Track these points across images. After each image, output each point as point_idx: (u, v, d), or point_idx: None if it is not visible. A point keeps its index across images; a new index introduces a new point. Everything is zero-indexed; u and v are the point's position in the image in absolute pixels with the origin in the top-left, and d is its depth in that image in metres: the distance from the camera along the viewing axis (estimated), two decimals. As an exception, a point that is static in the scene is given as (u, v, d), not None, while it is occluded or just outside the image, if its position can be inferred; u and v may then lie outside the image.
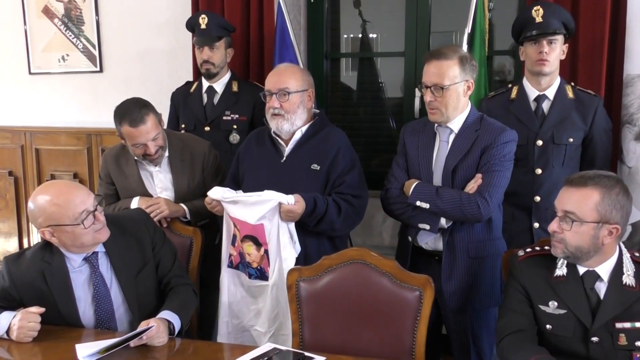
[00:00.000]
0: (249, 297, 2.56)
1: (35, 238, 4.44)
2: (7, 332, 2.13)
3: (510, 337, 1.96)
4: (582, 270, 1.97)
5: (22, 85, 4.41)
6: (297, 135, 2.58)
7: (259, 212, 2.39)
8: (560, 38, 2.72)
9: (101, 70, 4.18)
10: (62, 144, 4.27)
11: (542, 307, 1.99)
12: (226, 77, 3.35)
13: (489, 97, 2.96)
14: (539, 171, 2.75)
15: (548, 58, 2.71)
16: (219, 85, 3.34)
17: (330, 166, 2.54)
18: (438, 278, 2.38)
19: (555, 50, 2.72)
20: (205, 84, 3.36)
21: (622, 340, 1.89)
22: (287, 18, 3.37)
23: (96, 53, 4.16)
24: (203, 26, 3.21)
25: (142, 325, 2.07)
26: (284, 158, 2.58)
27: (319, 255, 2.30)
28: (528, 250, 2.12)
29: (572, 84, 2.85)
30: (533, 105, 2.80)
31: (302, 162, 2.55)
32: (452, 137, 2.48)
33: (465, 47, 3.15)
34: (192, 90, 3.39)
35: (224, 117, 3.28)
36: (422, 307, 2.08)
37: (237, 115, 3.28)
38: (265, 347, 2.07)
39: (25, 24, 4.27)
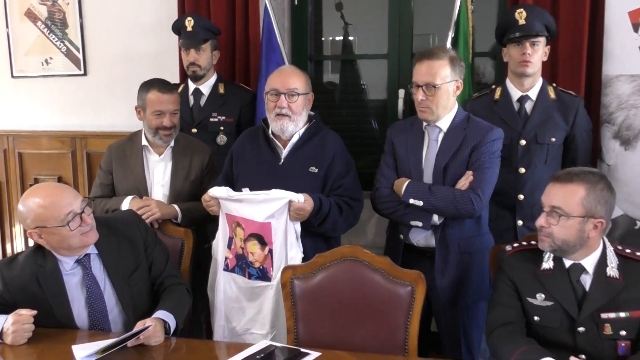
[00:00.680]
0: (246, 300, 2.55)
1: (19, 243, 4.41)
2: (1, 336, 2.13)
3: (500, 330, 2.02)
4: (568, 263, 2.04)
5: (4, 88, 4.38)
6: (295, 137, 2.60)
7: (268, 210, 2.41)
8: (542, 40, 2.79)
9: (85, 74, 4.17)
10: (45, 148, 4.26)
11: (530, 300, 2.06)
12: (212, 79, 3.38)
13: (473, 98, 3.03)
14: (522, 170, 2.82)
15: (531, 59, 2.78)
16: (206, 88, 3.36)
17: (328, 169, 2.58)
18: (429, 274, 2.42)
19: (538, 52, 2.80)
20: (192, 86, 3.38)
21: (607, 329, 1.96)
22: (274, 20, 3.41)
23: (80, 56, 4.15)
24: (189, 28, 3.24)
25: (138, 326, 2.09)
26: (282, 160, 2.60)
27: (315, 253, 2.35)
28: (515, 245, 2.19)
29: (554, 84, 2.92)
30: (516, 106, 2.87)
31: (301, 164, 2.57)
32: (441, 135, 2.54)
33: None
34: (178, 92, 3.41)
35: (211, 119, 3.31)
36: (414, 302, 2.13)
37: (224, 117, 3.31)
38: (261, 345, 2.11)
39: (7, 27, 4.25)
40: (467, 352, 2.60)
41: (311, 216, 2.44)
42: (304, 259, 2.42)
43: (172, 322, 2.19)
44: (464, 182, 2.46)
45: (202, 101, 3.36)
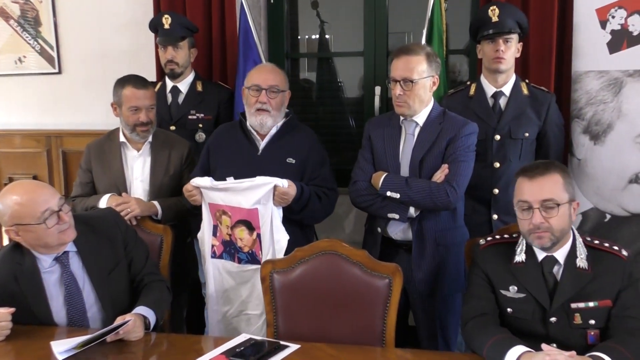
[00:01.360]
0: (237, 284, 2.62)
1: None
2: None
3: (474, 321, 2.06)
4: (540, 256, 2.09)
5: (-23, 87, 4.33)
6: (273, 130, 2.69)
7: (255, 197, 2.48)
8: (515, 37, 2.85)
9: (60, 72, 4.15)
10: (20, 147, 4.22)
11: (503, 292, 2.10)
12: (190, 77, 3.39)
13: (448, 94, 3.08)
14: (497, 165, 2.87)
15: (504, 56, 2.84)
16: (184, 85, 3.37)
17: (305, 161, 2.68)
18: (406, 267, 2.47)
19: (511, 49, 2.86)
20: (170, 84, 3.38)
21: (577, 319, 2.01)
22: (250, 18, 3.43)
23: (54, 54, 4.12)
24: (166, 26, 3.24)
25: (118, 321, 2.10)
26: (260, 151, 2.68)
27: (292, 242, 2.43)
28: (489, 239, 2.24)
29: (527, 81, 2.99)
30: (490, 102, 2.93)
31: (278, 155, 2.66)
32: (417, 130, 2.59)
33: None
34: (155, 90, 3.41)
35: (190, 117, 3.32)
36: (391, 294, 2.18)
37: (202, 115, 3.32)
38: (240, 338, 2.13)
39: (-21, 25, 4.20)
40: (443, 344, 2.65)
41: (293, 202, 2.52)
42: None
43: (152, 318, 2.21)
44: (439, 175, 2.51)
45: (180, 99, 3.36)
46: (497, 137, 2.87)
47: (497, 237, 2.24)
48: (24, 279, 2.22)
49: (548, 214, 2.01)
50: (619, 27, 2.97)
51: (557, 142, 2.97)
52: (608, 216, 3.02)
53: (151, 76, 3.69)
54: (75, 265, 2.28)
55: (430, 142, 2.55)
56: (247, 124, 2.71)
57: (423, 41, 3.29)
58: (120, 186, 2.87)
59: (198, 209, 2.65)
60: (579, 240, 2.10)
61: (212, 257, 2.64)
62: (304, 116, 4.24)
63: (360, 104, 4.09)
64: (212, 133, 2.86)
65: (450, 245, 2.61)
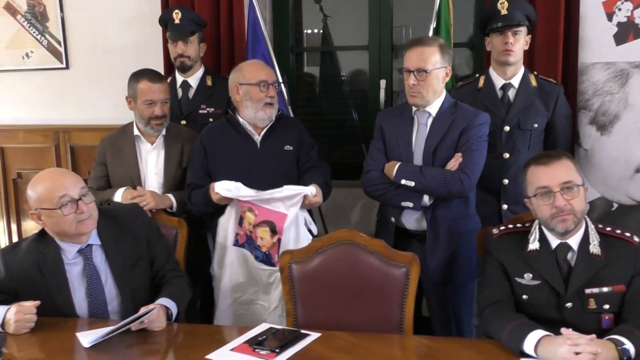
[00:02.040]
0: (253, 277, 2.68)
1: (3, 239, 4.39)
2: (3, 325, 2.15)
3: (491, 308, 2.10)
4: (554, 243, 2.13)
5: (-16, 83, 4.34)
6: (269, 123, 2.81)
7: (285, 203, 2.57)
8: (523, 29, 2.89)
9: (67, 67, 4.16)
10: (27, 142, 4.23)
11: (518, 280, 2.15)
12: (200, 71, 3.41)
13: (457, 87, 3.12)
14: (506, 155, 2.92)
15: (513, 48, 2.87)
16: (194, 80, 3.39)
17: (299, 147, 2.81)
18: (420, 256, 2.50)
19: (520, 41, 2.89)
20: (179, 78, 3.41)
21: (592, 304, 2.06)
22: (259, 13, 3.46)
23: (62, 49, 4.13)
24: (177, 21, 3.27)
25: (142, 310, 2.13)
26: (258, 144, 2.78)
27: None
28: (502, 228, 2.28)
29: (535, 73, 3.03)
30: (499, 94, 2.96)
31: (276, 145, 2.78)
32: (430, 120, 2.64)
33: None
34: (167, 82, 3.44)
35: (200, 111, 3.34)
36: (409, 282, 2.22)
37: (212, 109, 3.35)
38: (261, 327, 2.17)
39: (-15, 20, 4.21)
40: (456, 332, 2.70)
41: None
42: None
43: (174, 309, 2.24)
44: (453, 164, 2.56)
45: (191, 93, 3.39)
46: (507, 128, 2.91)
47: (510, 226, 2.27)
48: (47, 269, 2.26)
49: (570, 196, 2.06)
50: (625, 20, 3.01)
51: (565, 132, 3.01)
52: (615, 205, 3.07)
53: (159, 71, 3.71)
54: (98, 258, 2.32)
55: (443, 131, 2.59)
56: (241, 120, 2.79)
57: (430, 35, 3.33)
58: (134, 179, 2.91)
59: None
60: (591, 227, 2.14)
61: (234, 244, 2.68)
62: (308, 110, 4.28)
63: (365, 98, 4.12)
64: (200, 138, 2.89)
65: (463, 233, 2.65)
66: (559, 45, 3.19)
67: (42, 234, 2.31)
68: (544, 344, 1.84)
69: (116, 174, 2.94)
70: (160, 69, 3.72)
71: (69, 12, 4.10)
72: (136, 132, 2.96)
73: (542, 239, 2.15)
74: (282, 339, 2.04)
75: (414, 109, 2.66)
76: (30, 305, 2.16)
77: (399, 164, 2.61)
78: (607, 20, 3.05)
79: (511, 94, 2.97)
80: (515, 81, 2.96)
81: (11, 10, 4.15)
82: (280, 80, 2.95)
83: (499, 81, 2.98)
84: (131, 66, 3.70)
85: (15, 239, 4.33)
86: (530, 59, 3.20)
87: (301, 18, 4.31)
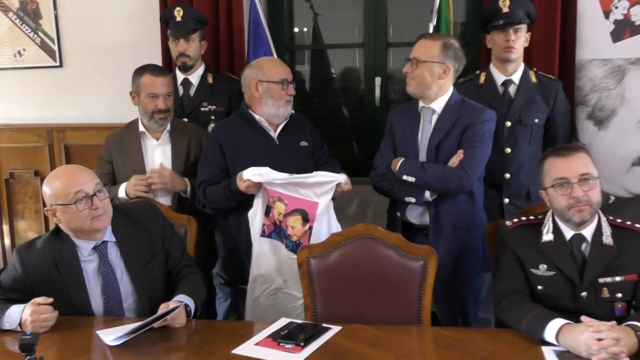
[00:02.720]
0: (281, 267, 2.67)
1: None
2: (21, 325, 2.13)
3: (508, 299, 2.15)
4: (568, 234, 2.19)
5: (-24, 81, 4.27)
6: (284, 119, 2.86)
7: (318, 191, 2.59)
8: (524, 27, 2.96)
9: (61, 65, 4.12)
10: (20, 141, 4.19)
11: (534, 271, 2.20)
12: (201, 69, 3.41)
13: (459, 83, 3.15)
14: (508, 150, 2.98)
15: (514, 45, 2.94)
16: (195, 78, 3.39)
17: (313, 142, 2.88)
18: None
19: (521, 38, 2.96)
20: (180, 76, 3.40)
21: (605, 293, 2.12)
22: (261, 10, 3.48)
23: (55, 47, 4.09)
24: (178, 18, 3.26)
25: (162, 308, 2.14)
26: (277, 140, 2.81)
27: None
28: (515, 220, 2.33)
29: (535, 69, 3.09)
30: (501, 90, 3.03)
31: (293, 141, 2.82)
32: (434, 117, 2.69)
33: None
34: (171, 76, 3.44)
35: (202, 109, 3.35)
36: (427, 275, 2.26)
37: (214, 107, 3.36)
38: (281, 322, 2.19)
39: (-23, 18, 4.15)
40: (463, 324, 2.75)
41: None
42: None
43: (192, 305, 2.24)
44: (454, 160, 2.61)
45: (192, 91, 3.39)
46: (508, 123, 2.97)
47: (523, 218, 2.33)
48: (63, 266, 2.25)
49: (587, 187, 2.12)
50: (622, 17, 3.10)
51: (564, 127, 3.09)
52: (612, 198, 3.15)
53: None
54: (113, 255, 2.31)
55: (447, 128, 2.65)
56: (257, 116, 2.81)
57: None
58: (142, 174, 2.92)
59: None
60: (603, 218, 2.20)
61: (261, 235, 2.68)
62: (299, 108, 4.28)
63: (358, 95, 4.16)
64: (214, 134, 2.91)
65: (469, 228, 2.70)
66: (556, 42, 3.27)
67: (57, 231, 2.31)
68: (566, 332, 1.89)
69: (122, 170, 2.96)
70: (158, 67, 3.72)
71: (63, 10, 4.06)
72: (141, 128, 2.99)
73: (556, 231, 2.20)
74: (305, 333, 2.06)
75: (420, 105, 2.71)
76: (45, 305, 2.14)
77: (402, 160, 2.67)
78: (604, 18, 3.13)
79: (512, 90, 3.03)
80: (516, 77, 3.03)
81: (3, 7, 4.10)
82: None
83: (500, 77, 3.04)
84: (128, 64, 3.69)
85: (7, 240, 4.29)
86: (528, 56, 3.26)
87: (292, 16, 4.32)
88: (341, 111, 4.33)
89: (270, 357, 1.93)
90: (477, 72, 3.16)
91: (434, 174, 2.59)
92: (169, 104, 2.93)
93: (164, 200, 2.97)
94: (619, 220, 2.21)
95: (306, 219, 2.60)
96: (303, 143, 2.86)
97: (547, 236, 2.21)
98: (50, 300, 2.16)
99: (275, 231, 2.67)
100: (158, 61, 3.71)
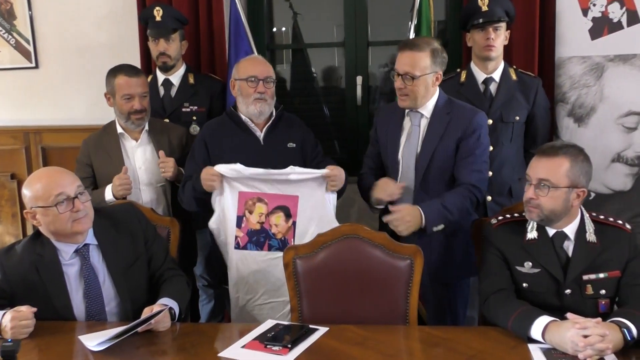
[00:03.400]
0: (263, 274, 2.65)
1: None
2: (0, 331, 2.09)
3: (495, 296, 2.15)
4: (551, 232, 2.20)
5: (-52, 83, 4.18)
6: (271, 119, 2.81)
7: (295, 185, 2.59)
8: (504, 25, 2.98)
9: (37, 66, 4.06)
10: (-4, 144, 4.12)
11: (519, 268, 2.21)
12: (182, 69, 3.38)
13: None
14: (490, 148, 2.97)
15: (494, 44, 2.95)
16: (176, 78, 3.36)
17: (303, 144, 2.81)
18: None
19: (500, 37, 2.98)
20: (161, 76, 3.36)
21: (589, 290, 2.14)
22: (241, 9, 3.45)
23: (31, 48, 4.03)
24: (158, 18, 3.23)
25: (146, 312, 2.11)
26: (261, 140, 2.77)
27: None
28: (500, 218, 2.33)
29: (514, 67, 3.11)
30: (482, 88, 3.04)
31: (279, 142, 2.77)
32: (423, 121, 2.64)
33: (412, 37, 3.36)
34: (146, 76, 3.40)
35: (183, 109, 3.32)
36: (413, 274, 2.26)
37: (195, 107, 3.33)
38: (267, 324, 2.18)
39: (-51, 19, 4.07)
40: (451, 323, 2.74)
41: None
42: None
43: (176, 309, 2.22)
44: None
45: (173, 91, 3.35)
46: (490, 121, 2.97)
47: (508, 216, 2.33)
48: (44, 270, 2.21)
49: (541, 192, 2.14)
50: (599, 15, 3.12)
51: (545, 125, 3.11)
52: (593, 194, 3.17)
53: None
54: (95, 258, 2.28)
55: (440, 133, 2.59)
56: (243, 116, 2.77)
57: (412, 34, 3.38)
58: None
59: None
60: (586, 215, 2.22)
61: (235, 247, 2.66)
62: (287, 108, 4.27)
63: (342, 94, 4.15)
64: (202, 132, 2.88)
65: (458, 232, 2.66)
66: (535, 40, 3.29)
67: (37, 235, 2.27)
68: (552, 329, 1.90)
69: (104, 173, 2.91)
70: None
71: (38, 10, 4.00)
72: (119, 129, 2.95)
73: (540, 228, 2.22)
74: (292, 334, 2.05)
75: (407, 109, 2.67)
76: (27, 311, 2.11)
77: (422, 211, 2.46)
78: (583, 16, 3.15)
79: (493, 88, 3.04)
80: (497, 75, 3.04)
81: (-25, 8, 4.02)
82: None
83: (480, 75, 3.06)
84: (106, 65, 3.62)
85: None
86: (508, 54, 3.27)
87: (272, 15, 4.30)
88: (322, 110, 4.32)
89: (257, 359, 1.92)
90: (458, 70, 3.17)
91: (459, 210, 2.51)
92: (144, 104, 2.90)
93: (150, 194, 2.97)
94: (601, 217, 2.23)
95: (288, 214, 2.60)
96: (290, 144, 2.80)
97: (531, 234, 2.22)
98: (34, 309, 2.12)
99: (252, 240, 2.64)
100: (137, 61, 3.68)
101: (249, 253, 2.66)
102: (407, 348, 2.07)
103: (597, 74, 3.15)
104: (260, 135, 2.78)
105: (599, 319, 1.89)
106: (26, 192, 2.20)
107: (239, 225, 2.64)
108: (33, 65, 4.05)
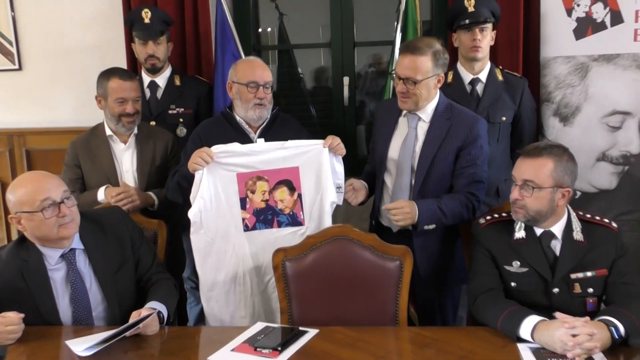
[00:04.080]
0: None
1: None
2: None
3: (484, 296, 2.16)
4: (539, 231, 2.21)
5: None
6: (265, 121, 2.78)
7: (293, 157, 2.57)
8: (490, 26, 2.99)
9: (20, 68, 4.02)
10: (-22, 147, 4.07)
11: (507, 268, 2.22)
12: (167, 71, 3.36)
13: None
14: (478, 149, 2.99)
15: (481, 44, 2.97)
16: (162, 80, 3.35)
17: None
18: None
19: (486, 37, 2.99)
20: (147, 79, 3.35)
21: (577, 288, 2.16)
22: (227, 11, 3.44)
23: (14, 50, 3.99)
24: (147, 20, 3.21)
25: (134, 316, 2.10)
26: (256, 141, 2.73)
27: None
28: (488, 218, 2.35)
29: (500, 67, 3.13)
30: (468, 88, 3.05)
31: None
32: (421, 124, 2.61)
33: (398, 38, 3.37)
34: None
35: (170, 111, 3.30)
36: (402, 275, 2.26)
37: (182, 109, 3.32)
38: (257, 327, 2.16)
39: None
40: (441, 324, 2.74)
41: None
42: None
43: (164, 312, 2.21)
44: None
45: (159, 94, 3.34)
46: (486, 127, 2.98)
47: (496, 215, 2.35)
48: (30, 276, 2.19)
49: (526, 193, 2.15)
50: (583, 15, 3.14)
51: (531, 124, 3.13)
52: (578, 193, 3.20)
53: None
54: (82, 263, 2.26)
55: (440, 139, 2.55)
56: (237, 117, 2.75)
57: (398, 34, 3.38)
58: (111, 179, 2.88)
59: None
60: (573, 214, 2.23)
61: (244, 230, 2.60)
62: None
63: (328, 95, 4.15)
64: (197, 129, 2.84)
65: (452, 239, 2.66)
66: (520, 41, 3.32)
67: (22, 240, 2.24)
68: (541, 329, 1.91)
69: (92, 175, 2.90)
70: (123, 70, 3.65)
71: (21, 11, 3.97)
72: (108, 132, 2.92)
73: (528, 228, 2.23)
74: (282, 337, 2.05)
75: (404, 111, 2.65)
76: (15, 317, 2.09)
77: (417, 208, 2.45)
78: (567, 16, 3.17)
79: (479, 88, 3.06)
80: (483, 76, 3.06)
81: (-44, 10, 3.97)
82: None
83: (467, 76, 3.07)
84: (91, 67, 3.64)
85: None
86: (493, 54, 3.29)
87: (258, 16, 4.29)
88: (309, 111, 4.32)
89: (248, 362, 1.91)
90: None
91: (453, 214, 2.50)
92: (137, 107, 2.88)
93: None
94: (588, 216, 2.25)
95: (292, 187, 2.57)
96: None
97: (519, 233, 2.24)
98: (22, 315, 2.10)
99: (259, 220, 2.59)
100: (123, 63, 3.67)
101: (259, 233, 2.59)
102: (398, 349, 2.07)
103: (582, 73, 3.17)
104: (254, 137, 2.74)
105: (587, 318, 1.90)
106: (11, 196, 2.17)
107: (243, 207, 2.58)
108: (16, 67, 4.01)
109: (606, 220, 2.22)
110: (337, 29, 3.96)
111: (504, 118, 3.01)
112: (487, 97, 3.02)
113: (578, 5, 3.15)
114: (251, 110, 2.70)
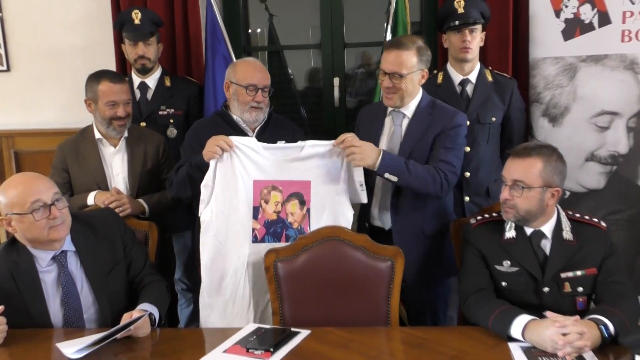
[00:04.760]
0: None
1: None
2: None
3: (475, 296, 2.18)
4: (529, 231, 2.23)
5: None
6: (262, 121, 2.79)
7: (307, 169, 2.55)
8: (479, 27, 3.00)
9: (8, 70, 4.00)
10: (-34, 149, 4.04)
11: (498, 267, 2.24)
12: (158, 72, 3.35)
13: (416, 83, 3.18)
14: (467, 149, 2.99)
15: (470, 46, 2.98)
16: (152, 81, 3.33)
17: (293, 141, 2.70)
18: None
19: (476, 38, 3.01)
20: (137, 80, 3.33)
21: (567, 287, 2.18)
22: (218, 12, 3.43)
23: (2, 51, 3.96)
24: (137, 21, 3.19)
25: (125, 318, 2.09)
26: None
27: None
28: (479, 218, 2.37)
29: (490, 68, 3.15)
30: (458, 89, 3.07)
31: (271, 142, 2.68)
32: (405, 121, 2.65)
33: (389, 39, 3.38)
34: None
35: (160, 112, 3.29)
36: (394, 275, 2.27)
37: (172, 110, 3.31)
38: (249, 328, 2.16)
39: None
40: (432, 323, 2.76)
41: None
42: None
43: (156, 314, 2.20)
44: None
45: (149, 95, 3.33)
46: (467, 122, 3.00)
47: (486, 215, 2.36)
48: (21, 278, 2.18)
49: (516, 193, 2.17)
50: (572, 16, 3.16)
51: (520, 125, 3.15)
52: (568, 193, 3.22)
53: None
54: (73, 265, 2.25)
55: (419, 133, 2.59)
56: (234, 116, 2.75)
57: (388, 35, 3.39)
58: (100, 183, 2.84)
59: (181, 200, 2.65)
60: (562, 213, 2.25)
61: (253, 241, 2.55)
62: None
63: (319, 96, 4.15)
64: (191, 130, 2.83)
65: (438, 234, 2.67)
66: (509, 42, 3.33)
67: (13, 242, 2.23)
68: (532, 328, 1.92)
69: (80, 179, 2.86)
70: (112, 70, 3.64)
71: (9, 13, 3.94)
72: (97, 135, 2.88)
73: (518, 227, 2.24)
74: (274, 338, 2.04)
75: (389, 109, 2.68)
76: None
77: (382, 152, 2.48)
78: (555, 17, 3.19)
79: (469, 89, 3.07)
80: (473, 77, 3.07)
81: (-57, 10, 3.94)
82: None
83: (457, 77, 3.08)
84: (80, 68, 3.63)
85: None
86: (483, 55, 3.30)
87: (247, 17, 4.30)
88: (299, 112, 4.33)
89: (240, 364, 1.91)
90: (435, 71, 3.18)
91: (418, 176, 2.47)
92: (128, 110, 2.84)
93: None
94: (577, 215, 2.27)
95: (302, 201, 2.54)
96: (281, 143, 2.74)
97: (510, 233, 2.25)
98: (1, 308, 2.08)
99: (269, 232, 2.55)
100: (112, 64, 3.66)
101: (267, 246, 2.48)
102: (390, 349, 2.07)
103: (570, 74, 3.19)
104: (252, 135, 2.72)
105: (577, 316, 1.92)
106: (1, 198, 2.16)
107: (255, 216, 2.55)
108: (4, 68, 3.99)
109: (595, 220, 2.24)
110: (327, 30, 3.97)
111: (493, 119, 3.03)
112: (476, 98, 3.04)
113: (566, 6, 3.17)
114: (247, 113, 2.70)
